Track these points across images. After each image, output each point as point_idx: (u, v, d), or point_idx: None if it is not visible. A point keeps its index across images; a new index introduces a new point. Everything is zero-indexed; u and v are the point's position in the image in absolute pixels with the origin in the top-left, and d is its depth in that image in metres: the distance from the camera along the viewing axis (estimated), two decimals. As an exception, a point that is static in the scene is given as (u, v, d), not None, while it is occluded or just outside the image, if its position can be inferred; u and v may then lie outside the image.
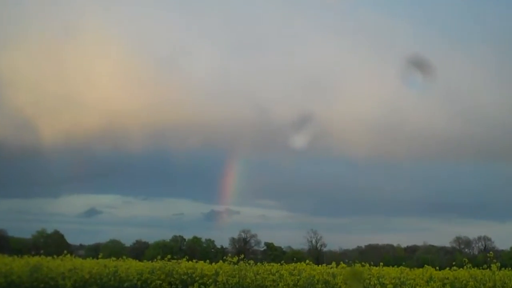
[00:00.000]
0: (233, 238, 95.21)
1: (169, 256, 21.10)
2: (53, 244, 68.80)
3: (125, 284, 19.35)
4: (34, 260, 23.51)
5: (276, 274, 17.82)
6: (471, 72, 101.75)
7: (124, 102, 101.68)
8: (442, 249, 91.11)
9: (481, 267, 16.33)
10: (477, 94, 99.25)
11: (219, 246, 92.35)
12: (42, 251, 25.04)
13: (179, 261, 20.73)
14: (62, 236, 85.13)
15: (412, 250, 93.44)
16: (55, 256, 23.55)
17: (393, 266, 19.49)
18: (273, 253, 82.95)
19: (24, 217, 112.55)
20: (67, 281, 20.13)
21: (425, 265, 18.60)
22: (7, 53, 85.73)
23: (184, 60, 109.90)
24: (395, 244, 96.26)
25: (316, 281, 16.37)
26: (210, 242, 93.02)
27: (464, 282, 15.12)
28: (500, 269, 15.71)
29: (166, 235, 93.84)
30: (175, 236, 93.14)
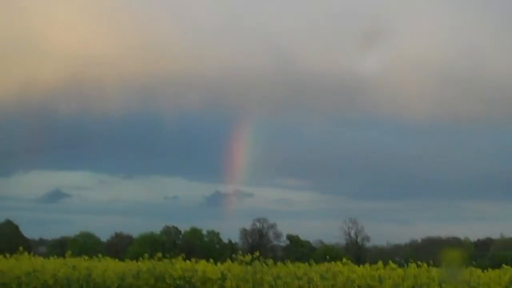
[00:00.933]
0: (245, 230, 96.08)
1: (159, 254, 21.17)
2: (4, 238, 69.46)
3: (102, 292, 19.53)
4: (-22, 260, 23.72)
5: (303, 277, 17.89)
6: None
7: (98, 46, 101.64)
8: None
9: None
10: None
11: (226, 241, 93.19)
12: (-11, 248, 25.24)
13: (173, 260, 20.81)
14: (16, 228, 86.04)
15: (485, 244, 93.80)
16: (7, 255, 23.74)
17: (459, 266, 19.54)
18: (299, 250, 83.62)
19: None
20: (24, 287, 20.33)
21: (503, 265, 18.64)
22: None
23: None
24: (462, 237, 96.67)
25: (356, 287, 16.44)
26: (214, 235, 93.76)
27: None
28: None
29: (155, 226, 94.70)
30: (167, 228, 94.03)
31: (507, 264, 18.70)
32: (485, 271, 18.40)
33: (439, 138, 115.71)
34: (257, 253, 19.99)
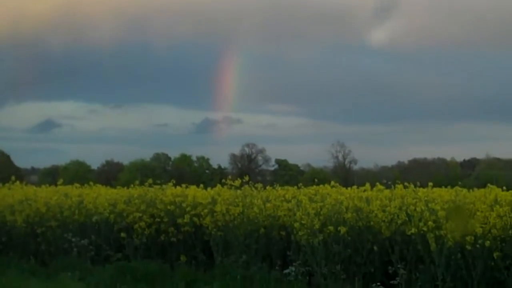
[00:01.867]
0: (234, 155, 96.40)
1: (150, 181, 21.17)
2: (-4, 168, 69.48)
3: (94, 218, 19.57)
4: (-29, 189, 23.76)
5: (292, 200, 17.89)
6: None
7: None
8: (511, 162, 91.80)
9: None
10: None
11: (215, 166, 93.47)
12: (-19, 178, 25.27)
13: (164, 186, 20.84)
14: (8, 157, 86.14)
15: (471, 164, 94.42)
16: (0, 184, 23.79)
17: (446, 186, 19.62)
18: (288, 173, 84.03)
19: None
20: (17, 215, 20.41)
21: (488, 184, 18.71)
22: None
23: None
24: (448, 158, 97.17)
25: (344, 209, 16.46)
26: (204, 161, 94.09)
27: (540, 205, 15.23)
28: None
29: (145, 153, 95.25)
30: (157, 154, 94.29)
31: (492, 183, 18.77)
32: (470, 190, 18.50)
33: (425, 64, 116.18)
34: (246, 178, 20.02)
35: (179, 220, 18.62)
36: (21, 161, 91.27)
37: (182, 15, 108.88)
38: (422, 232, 15.13)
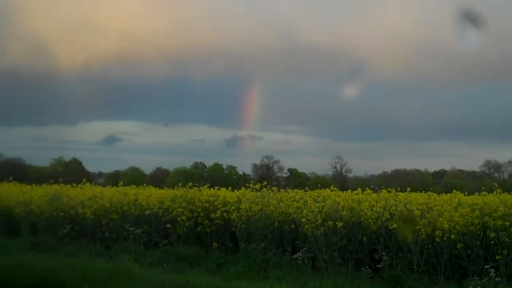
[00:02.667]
0: (256, 165, 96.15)
1: (190, 184, 21.20)
2: (71, 172, 69.74)
3: (146, 212, 19.58)
4: (53, 188, 23.85)
5: (300, 201, 17.88)
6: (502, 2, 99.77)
7: (142, 24, 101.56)
8: (471, 174, 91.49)
9: (511, 192, 16.31)
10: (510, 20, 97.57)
11: (241, 173, 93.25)
12: (60, 180, 25.33)
13: (201, 188, 20.83)
14: (80, 164, 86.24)
15: (440, 175, 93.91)
16: (74, 185, 23.84)
17: (420, 191, 19.53)
18: (297, 180, 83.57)
19: (42, 145, 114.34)
20: (87, 209, 20.45)
21: (454, 190, 18.63)
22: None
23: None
24: (422, 169, 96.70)
25: (341, 208, 16.44)
26: (232, 168, 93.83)
27: (494, 207, 15.11)
28: (531, 193, 15.71)
29: (186, 162, 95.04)
30: (196, 163, 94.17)
31: (456, 190, 18.72)
32: (440, 195, 18.42)
33: (406, 94, 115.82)
34: (265, 182, 20.01)
35: (212, 215, 18.62)
36: (91, 167, 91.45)
37: (215, 55, 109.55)
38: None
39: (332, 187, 19.53)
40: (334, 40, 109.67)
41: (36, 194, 22.93)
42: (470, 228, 14.73)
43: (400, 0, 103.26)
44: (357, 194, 17.99)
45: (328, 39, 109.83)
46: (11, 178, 26.69)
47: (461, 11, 7.32)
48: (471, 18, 7.25)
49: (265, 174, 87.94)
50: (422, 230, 14.77)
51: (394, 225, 15.26)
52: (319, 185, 21.58)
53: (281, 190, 20.24)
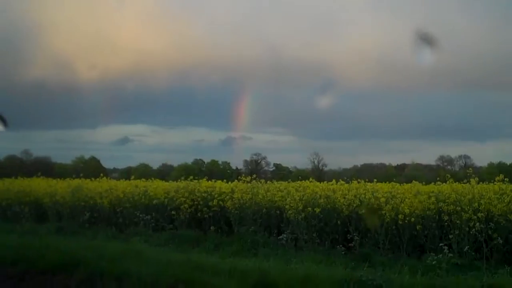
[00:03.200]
0: (246, 161, 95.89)
1: (191, 177, 21.25)
2: (90, 168, 69.21)
3: (154, 202, 19.55)
4: (75, 182, 23.86)
5: (284, 190, 17.90)
6: (458, 16, 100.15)
7: (151, 43, 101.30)
8: (428, 166, 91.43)
9: (461, 182, 16.38)
10: (464, 33, 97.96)
11: (234, 168, 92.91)
12: (81, 175, 25.32)
13: (200, 181, 20.85)
14: (98, 161, 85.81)
15: (401, 168, 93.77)
16: (93, 179, 23.91)
17: (385, 182, 19.58)
18: (281, 173, 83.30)
19: (66, 146, 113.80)
20: (104, 199, 20.41)
21: (413, 181, 18.72)
22: (47, 2, 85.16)
23: (203, 2, 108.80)
24: (387, 163, 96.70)
25: (319, 196, 16.47)
26: (226, 164, 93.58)
27: (447, 194, 15.20)
28: (478, 183, 15.75)
29: (188, 159, 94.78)
30: (196, 160, 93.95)
31: (415, 180, 18.80)
32: (401, 184, 18.49)
33: (372, 100, 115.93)
34: (254, 176, 20.12)
35: (210, 203, 18.61)
36: (107, 164, 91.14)
37: (213, 67, 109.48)
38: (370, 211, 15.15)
39: (311, 179, 19.62)
40: (313, 55, 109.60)
41: (61, 187, 22.93)
42: (427, 212, 14.80)
43: (368, 20, 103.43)
44: (332, 184, 18.09)
45: (308, 54, 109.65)
46: (39, 173, 26.75)
47: (416, 33, 7.38)
48: (425, 39, 7.30)
49: (254, 169, 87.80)
50: (387, 214, 14.82)
51: (363, 211, 15.30)
52: (300, 177, 21.64)
53: (268, 182, 20.31)
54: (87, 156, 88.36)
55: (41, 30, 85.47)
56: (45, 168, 58.11)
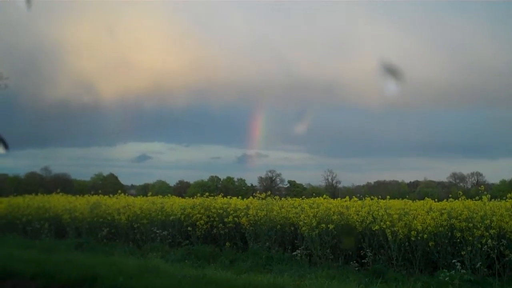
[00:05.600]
0: (261, 177, 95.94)
1: (207, 194, 21.29)
2: (109, 185, 69.73)
3: (171, 218, 19.58)
4: (94, 198, 23.96)
5: (298, 207, 17.88)
6: (470, 29, 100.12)
7: (169, 64, 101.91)
8: (440, 183, 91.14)
9: (473, 199, 16.29)
10: (476, 49, 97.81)
11: (249, 184, 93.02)
12: (100, 191, 25.43)
13: (216, 197, 20.89)
14: (116, 178, 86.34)
15: (414, 185, 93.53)
16: (111, 195, 24.01)
17: (398, 199, 19.54)
18: (295, 190, 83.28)
19: (85, 163, 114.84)
20: (122, 216, 20.47)
21: (426, 198, 18.62)
22: (70, 24, 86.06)
23: (220, 24, 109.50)
24: (400, 180, 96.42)
25: (332, 213, 16.43)
26: (242, 181, 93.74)
27: (459, 211, 15.10)
28: (490, 200, 15.64)
29: (204, 176, 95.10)
30: (212, 177, 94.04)
31: (428, 197, 18.71)
32: (414, 201, 18.41)
33: (388, 119, 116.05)
34: (269, 192, 20.05)
35: (225, 219, 18.59)
36: (125, 180, 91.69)
37: (230, 87, 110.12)
38: (382, 228, 15.09)
39: (324, 195, 19.54)
40: (326, 75, 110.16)
41: (80, 203, 23.04)
42: (440, 229, 14.69)
43: (377, 43, 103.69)
44: (345, 201, 18.00)
45: (321, 73, 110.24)
46: (59, 190, 26.91)
47: (382, 64, 7.36)
48: (390, 70, 7.28)
49: (269, 185, 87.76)
50: (400, 231, 14.76)
51: (377, 227, 15.24)
52: (314, 194, 21.67)
53: (282, 198, 20.22)
54: (105, 173, 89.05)
55: (64, 51, 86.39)
56: (64, 184, 58.49)
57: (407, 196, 20.12)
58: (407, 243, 14.81)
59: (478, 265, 13.64)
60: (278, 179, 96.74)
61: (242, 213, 18.39)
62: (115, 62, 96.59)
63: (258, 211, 18.02)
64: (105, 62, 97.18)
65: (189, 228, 18.98)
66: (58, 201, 24.36)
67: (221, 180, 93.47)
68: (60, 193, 26.43)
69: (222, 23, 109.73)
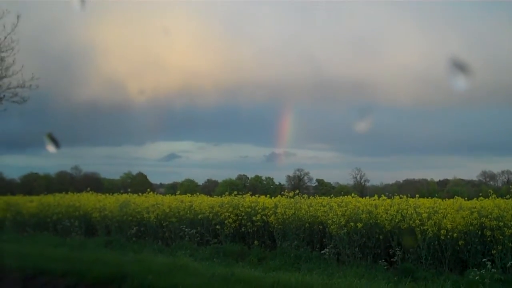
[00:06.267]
0: (289, 176, 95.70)
1: (235, 192, 21.31)
2: (138, 183, 70.06)
3: (199, 216, 19.65)
4: (123, 197, 24.15)
5: (327, 206, 17.83)
6: (501, 27, 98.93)
7: (199, 64, 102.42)
8: (470, 182, 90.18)
9: (504, 197, 16.13)
10: (507, 46, 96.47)
11: (277, 183, 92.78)
12: (129, 190, 25.69)
13: (244, 196, 20.91)
14: (145, 177, 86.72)
15: (444, 183, 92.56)
16: (140, 194, 24.17)
17: (427, 197, 19.36)
18: (324, 188, 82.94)
19: (114, 162, 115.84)
20: (151, 214, 20.59)
21: (455, 196, 18.45)
22: (101, 26, 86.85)
23: (249, 24, 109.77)
24: (429, 179, 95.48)
25: (361, 211, 16.36)
26: (270, 179, 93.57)
27: (489, 210, 14.95)
28: (521, 198, 15.50)
29: (232, 175, 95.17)
30: (240, 175, 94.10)
31: (458, 196, 18.56)
32: (443, 200, 18.25)
33: (417, 117, 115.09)
34: (297, 191, 20.04)
35: (254, 218, 18.62)
36: (154, 179, 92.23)
37: (259, 86, 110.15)
38: (411, 227, 14.99)
39: (353, 194, 19.50)
40: (355, 73, 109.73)
41: (109, 202, 23.21)
42: (470, 227, 14.56)
43: (406, 42, 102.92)
44: (374, 200, 17.90)
45: (350, 72, 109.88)
46: (89, 189, 27.18)
47: (451, 59, 7.34)
48: (459, 66, 7.26)
49: (297, 184, 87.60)
50: (429, 229, 14.65)
51: (406, 225, 15.16)
52: (342, 192, 21.56)
53: (311, 197, 20.19)
54: (134, 172, 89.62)
55: (94, 52, 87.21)
56: (94, 183, 58.99)
57: (437, 195, 19.87)
58: (436, 242, 14.70)
59: (509, 264, 13.52)
60: (306, 178, 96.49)
61: (270, 212, 18.39)
62: (145, 62, 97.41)
63: (287, 209, 18.00)
64: (135, 62, 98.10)
65: (217, 227, 19.03)
66: (88, 200, 24.59)
67: (249, 178, 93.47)
68: (90, 192, 26.68)
69: (251, 23, 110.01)
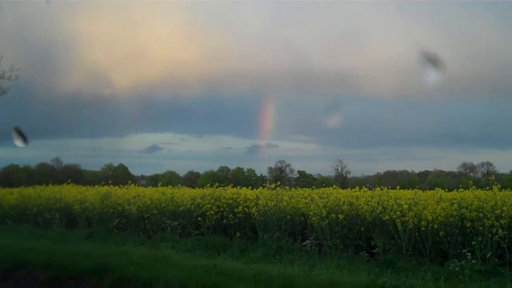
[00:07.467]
0: (271, 168, 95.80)
1: (217, 184, 21.33)
2: (119, 175, 69.73)
3: (180, 208, 19.62)
4: (104, 189, 24.06)
5: (308, 197, 17.88)
6: (481, 17, 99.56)
7: (182, 55, 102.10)
8: (450, 173, 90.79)
9: (484, 189, 16.24)
10: (489, 37, 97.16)
11: (259, 175, 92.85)
12: (110, 182, 25.56)
13: (226, 188, 20.90)
14: (126, 169, 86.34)
15: (424, 175, 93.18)
16: (121, 186, 24.07)
17: (408, 189, 19.46)
18: (305, 180, 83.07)
19: (96, 153, 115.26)
20: (132, 206, 20.53)
21: (436, 188, 18.59)
22: (84, 16, 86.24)
23: (233, 16, 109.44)
24: (409, 170, 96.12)
25: (342, 203, 16.40)
26: (252, 171, 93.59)
27: (469, 201, 15.06)
28: (500, 190, 15.57)
29: (214, 166, 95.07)
30: (222, 167, 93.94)
31: (438, 187, 18.69)
32: (424, 191, 18.36)
33: (398, 109, 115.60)
34: (278, 183, 20.09)
35: (235, 210, 18.65)
36: (135, 171, 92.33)
37: (241, 78, 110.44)
38: (392, 218, 15.07)
39: (334, 186, 19.57)
40: (336, 65, 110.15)
41: (90, 194, 23.15)
42: (450, 219, 14.65)
43: (388, 34, 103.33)
44: (355, 191, 18.00)
45: (332, 64, 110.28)
46: (69, 180, 27.05)
47: (425, 53, 7.38)
48: (433, 59, 7.28)
49: (279, 176, 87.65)
50: (410, 221, 14.73)
51: (387, 217, 15.23)
52: (323, 184, 21.65)
53: (292, 189, 20.25)
54: (115, 163, 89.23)
55: (77, 42, 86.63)
56: (75, 175, 58.73)
57: (417, 186, 19.97)
58: (417, 233, 14.78)
59: (489, 255, 13.63)
60: (287, 170, 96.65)
61: (252, 204, 18.42)
62: (128, 53, 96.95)
63: (268, 201, 18.02)
64: (118, 53, 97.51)
65: (199, 219, 19.01)
66: (69, 192, 24.48)
67: (231, 170, 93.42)
68: (71, 184, 26.59)
69: (234, 14, 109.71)
